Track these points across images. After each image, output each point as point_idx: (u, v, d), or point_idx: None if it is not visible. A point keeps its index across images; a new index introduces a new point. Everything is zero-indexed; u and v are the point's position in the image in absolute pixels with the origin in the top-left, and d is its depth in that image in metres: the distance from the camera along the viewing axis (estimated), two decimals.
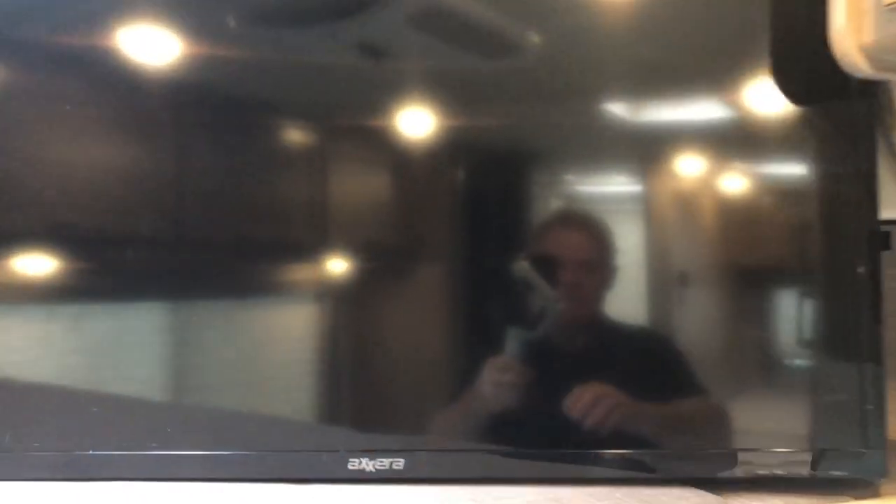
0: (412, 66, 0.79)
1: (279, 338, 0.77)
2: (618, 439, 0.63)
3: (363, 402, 0.82)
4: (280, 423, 0.69)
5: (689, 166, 1.03)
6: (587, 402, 0.64)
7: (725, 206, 0.86)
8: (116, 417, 0.64)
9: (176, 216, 0.78)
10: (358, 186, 0.90)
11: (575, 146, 1.24)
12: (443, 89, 0.87)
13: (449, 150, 0.93)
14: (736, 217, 0.83)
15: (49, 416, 0.63)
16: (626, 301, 0.84)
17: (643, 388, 0.66)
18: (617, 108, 1.15)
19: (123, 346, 0.71)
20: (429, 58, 0.80)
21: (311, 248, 0.81)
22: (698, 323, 0.83)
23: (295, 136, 0.92)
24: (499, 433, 0.70)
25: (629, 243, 0.85)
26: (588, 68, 0.95)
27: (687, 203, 0.89)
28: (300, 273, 0.85)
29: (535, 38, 0.85)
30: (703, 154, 0.98)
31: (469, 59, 0.83)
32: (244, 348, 0.77)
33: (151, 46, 0.71)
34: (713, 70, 0.89)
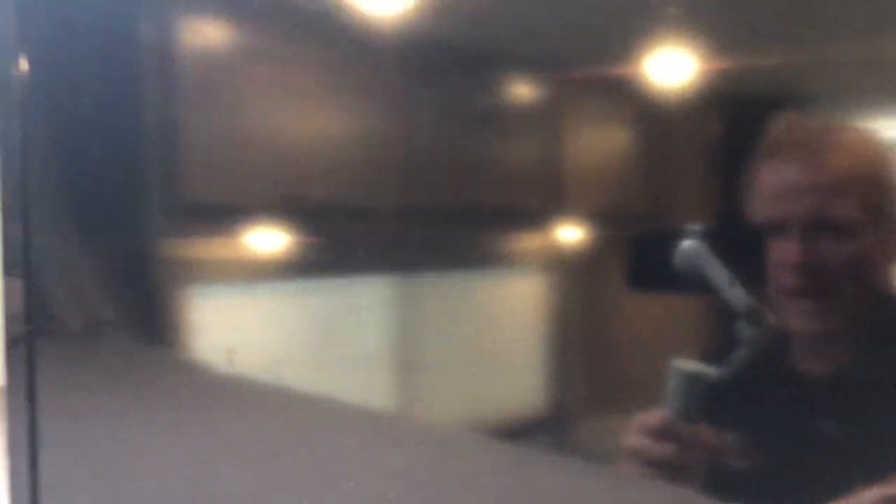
0: None
1: (505, 313, 0.74)
2: None
3: (593, 394, 0.79)
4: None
5: None
6: None
7: None
8: None
9: (401, 183, 0.73)
10: (596, 144, 0.80)
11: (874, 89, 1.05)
12: (720, 12, 0.72)
13: (710, 97, 0.79)
14: None
15: None
16: None
17: None
18: None
19: (350, 323, 0.71)
20: None
21: (543, 214, 0.74)
22: None
23: (524, 88, 0.82)
24: None
25: None
26: None
27: None
28: (530, 242, 0.79)
29: None
30: None
31: None
32: (470, 323, 0.75)
33: None
34: None
